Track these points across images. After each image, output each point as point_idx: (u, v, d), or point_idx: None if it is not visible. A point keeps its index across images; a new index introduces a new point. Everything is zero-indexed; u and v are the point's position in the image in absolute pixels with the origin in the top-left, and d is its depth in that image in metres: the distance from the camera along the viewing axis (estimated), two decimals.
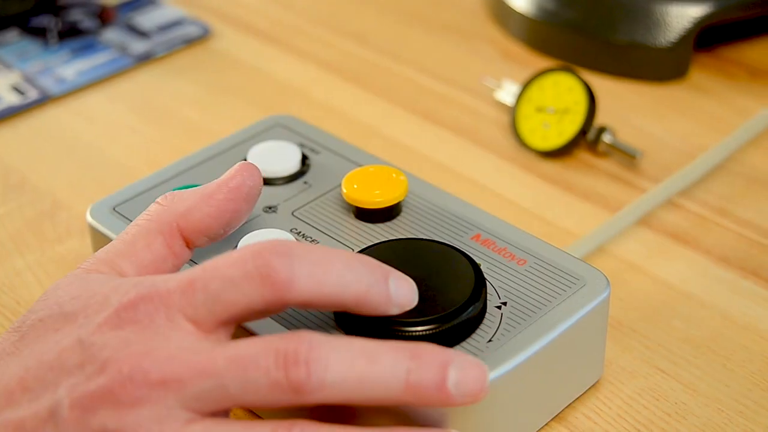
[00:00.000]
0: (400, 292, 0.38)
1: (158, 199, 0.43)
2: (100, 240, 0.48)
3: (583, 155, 0.60)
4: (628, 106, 0.64)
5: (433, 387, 0.36)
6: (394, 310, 0.39)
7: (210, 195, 0.43)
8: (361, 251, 0.43)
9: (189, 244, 0.43)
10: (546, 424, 0.44)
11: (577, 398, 0.45)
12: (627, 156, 0.59)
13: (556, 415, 0.44)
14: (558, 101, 0.60)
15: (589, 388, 0.46)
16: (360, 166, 0.51)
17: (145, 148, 0.62)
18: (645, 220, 0.55)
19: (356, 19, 0.75)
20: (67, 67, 0.69)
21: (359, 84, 0.68)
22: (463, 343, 0.41)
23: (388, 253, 0.43)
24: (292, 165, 0.50)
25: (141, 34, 0.72)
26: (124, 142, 0.63)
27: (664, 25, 0.65)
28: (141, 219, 0.43)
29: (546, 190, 0.58)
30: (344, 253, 0.38)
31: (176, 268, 0.43)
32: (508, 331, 0.41)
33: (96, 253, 0.42)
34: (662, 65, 0.66)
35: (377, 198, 0.47)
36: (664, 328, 0.49)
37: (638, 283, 0.51)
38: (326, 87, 0.67)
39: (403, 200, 0.48)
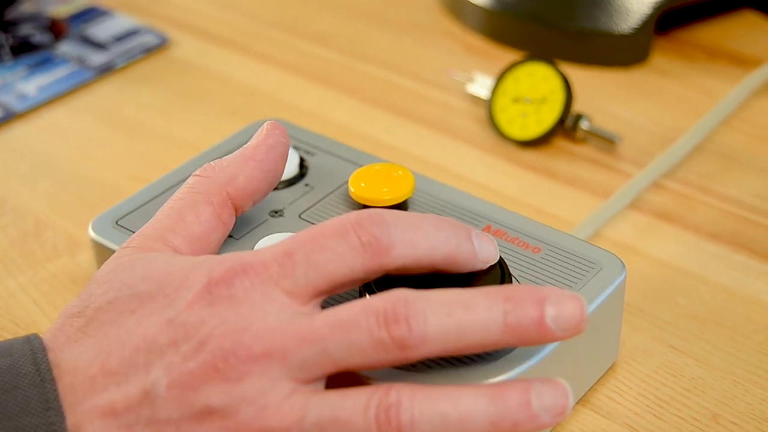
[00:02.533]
0: (483, 247, 0.39)
1: (197, 172, 0.43)
2: (104, 255, 0.47)
3: (561, 143, 0.61)
4: (595, 92, 0.65)
5: (532, 325, 0.37)
6: (480, 265, 0.40)
7: (250, 157, 0.44)
8: None
9: (237, 210, 0.43)
10: (572, 408, 0.45)
11: (598, 380, 0.46)
12: (606, 141, 0.60)
13: (580, 398, 0.45)
14: (534, 91, 0.61)
15: (608, 370, 0.46)
16: (357, 165, 0.51)
17: (120, 160, 0.61)
18: (631, 203, 0.56)
19: (312, 21, 0.75)
20: (27, 83, 0.67)
21: (327, 85, 0.68)
22: None
23: None
24: (292, 168, 0.50)
25: (97, 45, 0.71)
26: (97, 155, 0.62)
27: (625, 11, 0.67)
28: (184, 192, 0.43)
29: (530, 179, 0.59)
30: (429, 215, 0.39)
31: (223, 238, 0.43)
32: None
33: (142, 229, 0.42)
34: (625, 51, 0.68)
35: (386, 196, 0.47)
36: (669, 306, 0.50)
37: (635, 264, 0.52)
38: (294, 90, 0.67)
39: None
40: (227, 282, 0.37)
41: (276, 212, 0.48)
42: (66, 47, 0.71)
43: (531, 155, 0.60)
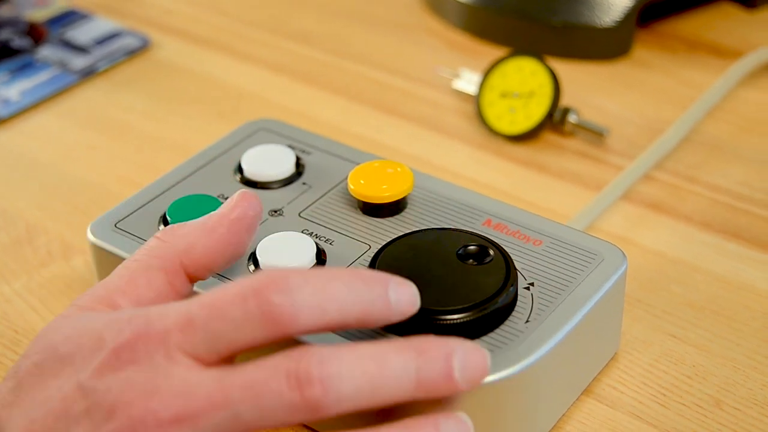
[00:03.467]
0: (401, 299, 0.38)
1: (158, 235, 0.42)
2: (104, 258, 0.47)
3: (549, 137, 0.62)
4: (580, 85, 0.66)
5: (441, 380, 0.37)
6: (396, 319, 0.38)
7: (212, 229, 0.42)
8: (387, 245, 0.44)
9: (192, 279, 0.42)
10: (577, 398, 0.45)
11: (600, 371, 0.46)
12: (594, 134, 0.60)
13: (585, 389, 0.46)
14: (522, 85, 0.61)
15: (610, 360, 0.47)
16: (353, 162, 0.51)
17: (108, 163, 0.61)
18: (621, 194, 0.56)
19: (294, 21, 0.75)
20: (9, 88, 0.67)
21: (313, 84, 0.68)
22: (503, 325, 0.41)
23: (415, 243, 0.44)
24: (288, 167, 0.50)
25: (78, 49, 0.71)
26: (85, 160, 0.61)
27: (607, 4, 0.67)
28: (140, 255, 0.41)
29: (521, 174, 0.59)
30: (341, 272, 0.37)
31: None
32: (543, 311, 0.42)
33: (92, 288, 0.41)
34: (608, 44, 0.68)
35: (385, 192, 0.47)
36: (665, 295, 0.50)
37: (630, 255, 0.52)
38: (280, 89, 0.67)
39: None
40: (131, 347, 0.36)
41: (275, 211, 0.48)
42: (47, 51, 0.71)
43: (520, 150, 0.61)
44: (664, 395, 0.45)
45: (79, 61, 0.69)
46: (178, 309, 0.37)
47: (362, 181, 0.47)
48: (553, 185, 0.58)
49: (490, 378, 0.39)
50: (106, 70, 0.69)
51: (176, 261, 0.41)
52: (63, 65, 0.69)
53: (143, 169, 0.60)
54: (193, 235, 0.41)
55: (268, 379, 0.35)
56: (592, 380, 0.46)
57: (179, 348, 0.36)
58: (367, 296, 0.37)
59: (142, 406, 0.35)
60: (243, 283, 0.36)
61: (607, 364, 0.47)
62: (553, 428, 0.44)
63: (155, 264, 0.41)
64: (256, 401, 0.35)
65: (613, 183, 0.55)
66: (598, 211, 0.54)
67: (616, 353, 0.47)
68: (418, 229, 0.46)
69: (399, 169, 0.48)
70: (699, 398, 0.45)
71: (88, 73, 0.68)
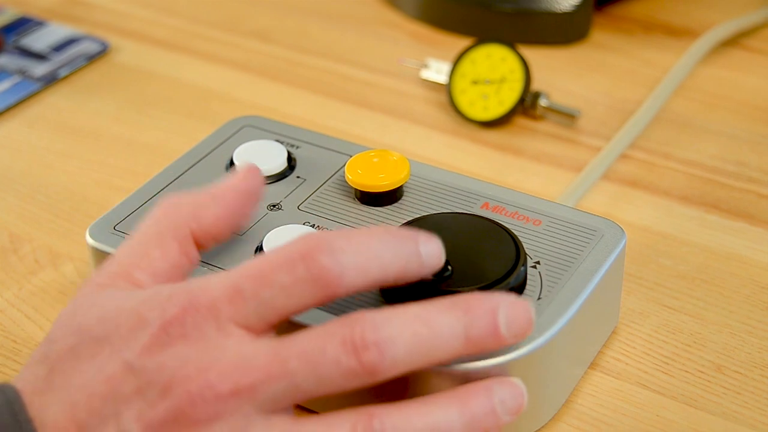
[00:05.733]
0: (431, 253, 0.39)
1: (162, 205, 0.42)
2: (104, 261, 0.47)
3: (520, 121, 0.63)
4: (543, 70, 0.67)
5: (489, 335, 0.38)
6: (428, 274, 0.40)
7: (222, 197, 0.42)
8: None
9: (199, 248, 0.42)
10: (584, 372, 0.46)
11: (604, 344, 0.47)
12: (566, 116, 0.61)
13: (591, 363, 0.47)
14: (493, 72, 0.62)
15: (611, 334, 0.48)
16: (343, 154, 0.51)
17: (83, 168, 0.60)
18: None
19: (251, 19, 0.74)
20: None
21: (278, 80, 0.68)
22: None
23: (422, 229, 0.44)
24: (281, 162, 0.50)
25: (36, 56, 0.70)
26: (60, 166, 0.61)
27: None
28: (149, 226, 0.41)
29: (499, 158, 0.60)
30: (377, 230, 0.39)
31: (188, 274, 0.42)
32: (552, 288, 0.43)
33: (105, 264, 0.40)
34: (566, 28, 0.69)
35: (383, 181, 0.47)
36: (655, 268, 0.52)
37: None
38: (247, 87, 0.67)
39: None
40: (181, 321, 0.36)
41: (274, 206, 0.48)
42: (4, 60, 0.70)
43: (494, 135, 0.61)
44: (667, 363, 0.47)
45: (39, 69, 0.69)
46: (221, 281, 0.37)
47: (359, 171, 0.48)
48: (530, 168, 0.59)
49: (510, 356, 0.40)
50: (68, 76, 0.68)
51: (186, 229, 0.41)
52: (23, 73, 0.68)
53: (120, 173, 0.60)
54: (203, 204, 0.42)
55: (324, 347, 0.36)
56: (597, 353, 0.47)
57: (230, 319, 0.37)
58: (403, 252, 0.38)
59: (199, 380, 0.35)
60: (288, 248, 0.37)
61: (609, 338, 0.48)
62: (565, 402, 0.45)
63: (167, 234, 0.41)
64: (314, 369, 0.36)
65: (592, 163, 0.56)
66: (581, 191, 0.55)
67: (616, 327, 0.48)
68: (417, 216, 0.47)
69: (395, 157, 0.48)
70: (701, 364, 0.46)
71: (51, 80, 0.68)
